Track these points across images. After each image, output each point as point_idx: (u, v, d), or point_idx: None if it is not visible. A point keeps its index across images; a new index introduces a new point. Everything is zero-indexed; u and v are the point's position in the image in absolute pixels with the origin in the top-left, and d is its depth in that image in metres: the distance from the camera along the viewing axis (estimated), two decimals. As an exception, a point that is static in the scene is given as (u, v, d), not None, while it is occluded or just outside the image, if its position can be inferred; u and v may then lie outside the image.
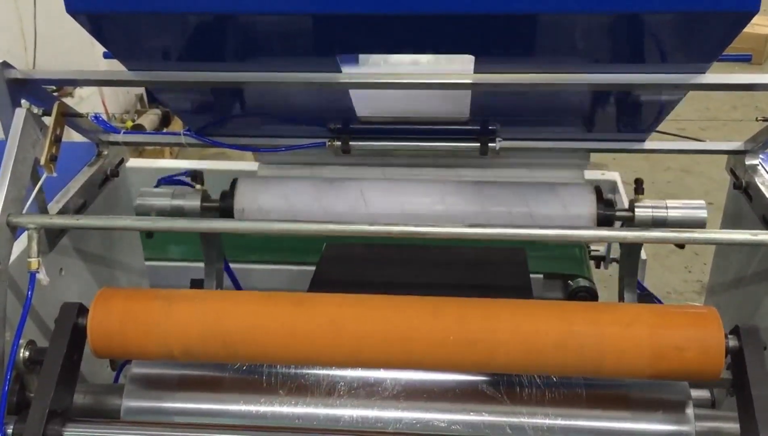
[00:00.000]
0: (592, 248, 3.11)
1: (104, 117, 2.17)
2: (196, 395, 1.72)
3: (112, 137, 2.21)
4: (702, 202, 1.97)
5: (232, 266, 2.46)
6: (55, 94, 1.97)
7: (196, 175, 2.09)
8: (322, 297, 1.63)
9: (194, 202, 2.04)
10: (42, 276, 1.65)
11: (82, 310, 1.64)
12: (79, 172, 2.13)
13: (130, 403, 1.71)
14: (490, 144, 2.08)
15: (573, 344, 1.49)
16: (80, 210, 2.06)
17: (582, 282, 2.89)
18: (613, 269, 3.29)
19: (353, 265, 2.50)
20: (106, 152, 2.21)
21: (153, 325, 1.59)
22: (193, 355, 1.60)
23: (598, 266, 3.23)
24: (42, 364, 1.60)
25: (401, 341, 1.52)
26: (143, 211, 2.03)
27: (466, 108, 1.90)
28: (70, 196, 2.01)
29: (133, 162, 2.51)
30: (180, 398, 1.72)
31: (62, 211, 1.96)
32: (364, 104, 1.94)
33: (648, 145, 2.09)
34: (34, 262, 1.64)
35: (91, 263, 2.14)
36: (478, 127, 2.08)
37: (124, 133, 2.23)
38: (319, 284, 2.22)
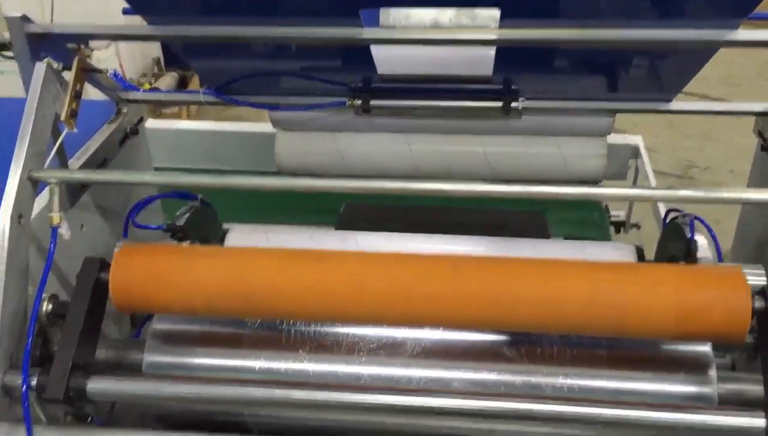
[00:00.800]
0: (612, 213, 3.09)
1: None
2: (216, 350, 1.73)
3: (132, 95, 2.20)
4: None
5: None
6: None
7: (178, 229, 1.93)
8: (343, 254, 1.63)
9: None
10: (64, 231, 1.66)
11: (104, 265, 1.65)
12: (99, 130, 2.13)
13: (151, 358, 1.71)
14: (512, 103, 2.05)
15: (596, 303, 1.47)
16: (101, 167, 2.06)
17: (602, 247, 2.86)
18: (632, 235, 3.28)
19: (372, 225, 2.49)
20: (125, 110, 2.20)
21: (174, 279, 1.59)
22: (213, 309, 1.60)
23: (618, 232, 3.21)
24: (64, 318, 1.62)
25: (422, 298, 1.51)
26: None
27: (490, 66, 1.87)
28: (90, 153, 2.01)
29: (151, 122, 2.50)
30: (200, 353, 1.72)
31: (84, 168, 1.96)
32: (386, 62, 1.91)
33: (674, 105, 2.06)
34: (56, 217, 1.64)
35: (112, 219, 2.14)
36: (501, 87, 2.05)
37: (143, 91, 2.22)
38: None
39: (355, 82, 2.10)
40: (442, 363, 1.63)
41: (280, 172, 2.42)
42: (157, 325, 1.72)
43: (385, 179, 1.67)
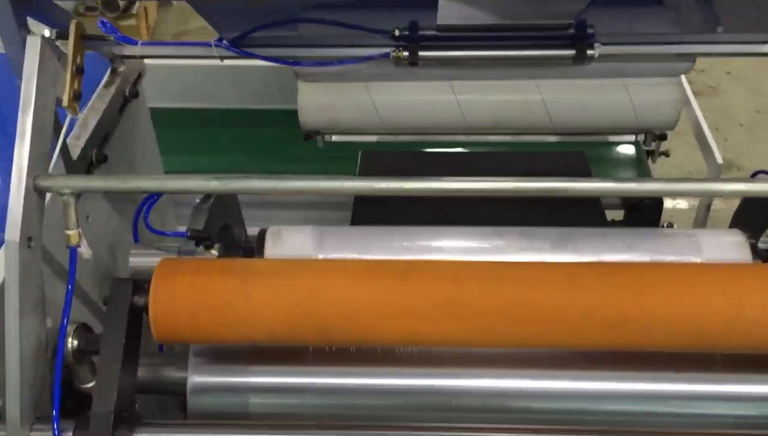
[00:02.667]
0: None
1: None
2: (272, 369, 1.47)
3: (128, 50, 1.83)
4: None
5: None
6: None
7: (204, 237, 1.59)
8: (431, 266, 1.35)
9: None
10: (84, 250, 1.35)
11: (138, 287, 1.36)
12: (95, 96, 1.77)
13: (197, 378, 1.45)
14: (588, 51, 1.75)
15: (745, 318, 1.24)
16: (103, 145, 1.72)
17: (645, 187, 2.64)
18: (659, 163, 3.05)
19: (398, 173, 2.23)
20: (122, 69, 1.84)
21: (229, 305, 1.31)
22: (280, 339, 1.34)
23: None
24: (94, 353, 1.34)
25: (536, 320, 1.27)
26: (139, 278, 1.47)
27: (577, 9, 1.56)
28: (91, 130, 1.67)
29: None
30: (254, 372, 1.47)
31: (86, 149, 1.63)
32: (450, 10, 1.58)
33: (772, 48, 1.78)
34: (74, 234, 1.33)
35: (118, 201, 1.82)
36: (574, 31, 1.74)
37: (141, 44, 1.85)
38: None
39: (399, 30, 1.76)
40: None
41: (302, 128, 2.10)
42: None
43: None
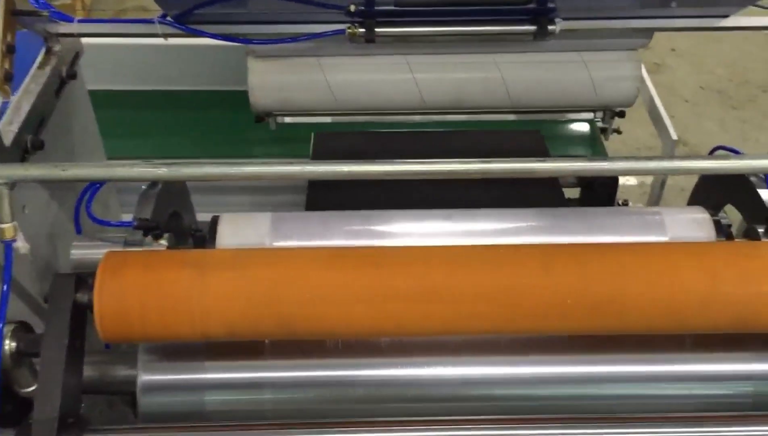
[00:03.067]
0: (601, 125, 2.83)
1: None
2: (228, 364, 1.39)
3: (64, 27, 1.71)
4: None
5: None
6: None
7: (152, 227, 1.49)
8: (396, 252, 1.29)
9: None
10: (21, 244, 1.24)
11: (81, 282, 1.26)
12: (29, 77, 1.65)
13: (147, 377, 1.35)
14: (549, 26, 1.70)
15: (719, 300, 1.22)
16: (39, 130, 1.60)
17: (601, 165, 2.62)
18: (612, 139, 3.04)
19: (353, 155, 2.16)
20: (57, 48, 1.72)
21: (183, 301, 1.22)
22: (238, 335, 1.26)
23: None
24: (34, 355, 1.24)
25: (508, 307, 1.22)
26: (82, 271, 1.37)
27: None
28: (25, 114, 1.55)
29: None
30: (209, 368, 1.38)
31: (19, 135, 1.51)
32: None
33: (732, 21, 1.75)
34: (8, 228, 1.22)
35: (57, 190, 1.71)
36: (535, 6, 1.69)
37: (78, 21, 1.73)
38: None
39: (355, 5, 1.68)
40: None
41: (252, 109, 2.00)
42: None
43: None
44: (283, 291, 1.22)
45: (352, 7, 1.68)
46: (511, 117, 2.06)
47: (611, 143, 2.97)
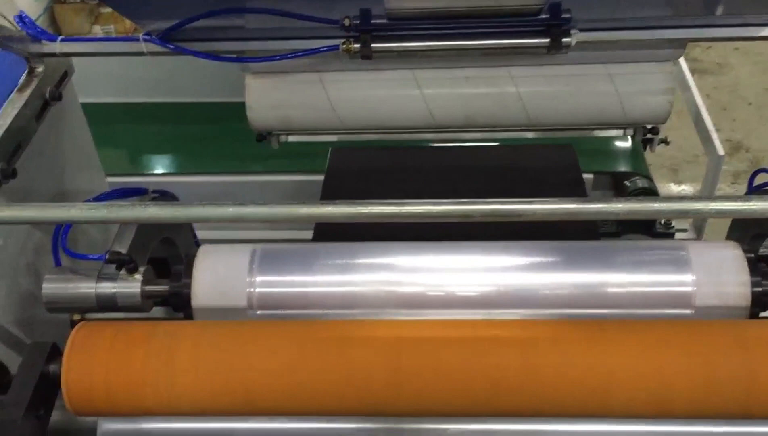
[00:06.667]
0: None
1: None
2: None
3: (49, 47, 1.63)
4: None
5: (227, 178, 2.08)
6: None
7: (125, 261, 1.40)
8: (370, 329, 1.17)
9: (132, 289, 1.39)
10: None
11: (56, 352, 1.22)
12: (6, 102, 1.57)
13: (108, 426, 1.27)
14: (563, 39, 1.53)
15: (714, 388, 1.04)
16: (15, 155, 1.52)
17: (640, 182, 2.43)
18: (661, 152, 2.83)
19: (372, 171, 2.03)
20: (40, 69, 1.63)
21: (150, 377, 1.17)
22: (206, 413, 1.17)
23: (645, 149, 2.77)
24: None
25: (484, 393, 1.08)
26: (55, 306, 1.39)
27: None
28: (-5, 142, 1.47)
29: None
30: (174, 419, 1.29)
31: (-13, 164, 1.44)
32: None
33: (774, 31, 1.55)
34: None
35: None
36: (548, 16, 1.53)
37: (62, 40, 1.64)
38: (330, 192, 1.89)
39: (349, 20, 1.55)
40: None
41: (252, 128, 1.89)
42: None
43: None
44: (248, 372, 1.15)
45: (347, 21, 1.55)
46: (531, 135, 1.90)
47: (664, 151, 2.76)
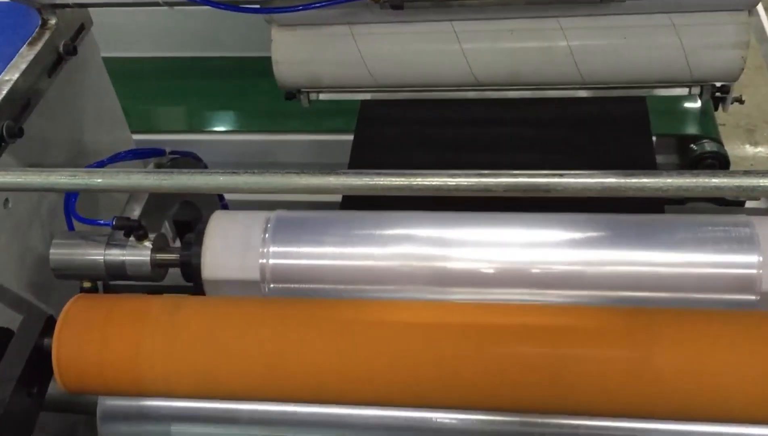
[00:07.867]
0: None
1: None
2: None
3: (61, -2, 1.53)
4: None
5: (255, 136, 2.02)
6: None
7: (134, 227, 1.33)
8: (376, 313, 1.08)
9: (141, 257, 1.32)
10: None
11: (51, 324, 1.15)
12: (17, 56, 1.48)
13: (108, 402, 1.22)
14: (621, -16, 1.35)
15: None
16: (20, 117, 1.44)
17: (708, 146, 2.22)
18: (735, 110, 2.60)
19: (404, 127, 1.88)
20: (53, 21, 1.54)
21: (151, 357, 1.10)
22: (206, 392, 1.11)
23: (716, 108, 2.54)
24: None
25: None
26: (63, 273, 1.34)
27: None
28: (2, 96, 1.39)
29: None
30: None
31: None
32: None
33: None
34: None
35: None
36: (601, -41, 1.35)
37: (77, -11, 1.54)
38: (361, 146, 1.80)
39: (377, -37, 1.40)
40: None
41: (279, 86, 1.76)
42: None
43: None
44: (252, 350, 1.08)
45: (376, -32, 1.40)
46: (583, 93, 1.72)
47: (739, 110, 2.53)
